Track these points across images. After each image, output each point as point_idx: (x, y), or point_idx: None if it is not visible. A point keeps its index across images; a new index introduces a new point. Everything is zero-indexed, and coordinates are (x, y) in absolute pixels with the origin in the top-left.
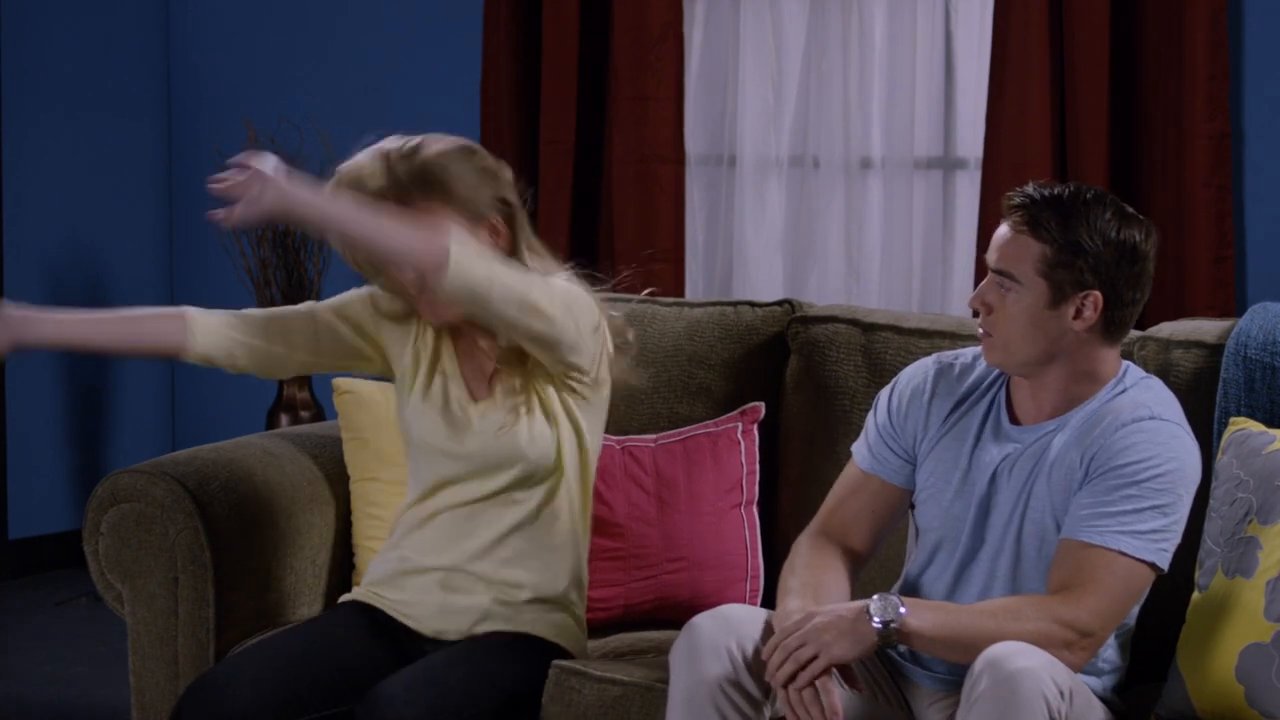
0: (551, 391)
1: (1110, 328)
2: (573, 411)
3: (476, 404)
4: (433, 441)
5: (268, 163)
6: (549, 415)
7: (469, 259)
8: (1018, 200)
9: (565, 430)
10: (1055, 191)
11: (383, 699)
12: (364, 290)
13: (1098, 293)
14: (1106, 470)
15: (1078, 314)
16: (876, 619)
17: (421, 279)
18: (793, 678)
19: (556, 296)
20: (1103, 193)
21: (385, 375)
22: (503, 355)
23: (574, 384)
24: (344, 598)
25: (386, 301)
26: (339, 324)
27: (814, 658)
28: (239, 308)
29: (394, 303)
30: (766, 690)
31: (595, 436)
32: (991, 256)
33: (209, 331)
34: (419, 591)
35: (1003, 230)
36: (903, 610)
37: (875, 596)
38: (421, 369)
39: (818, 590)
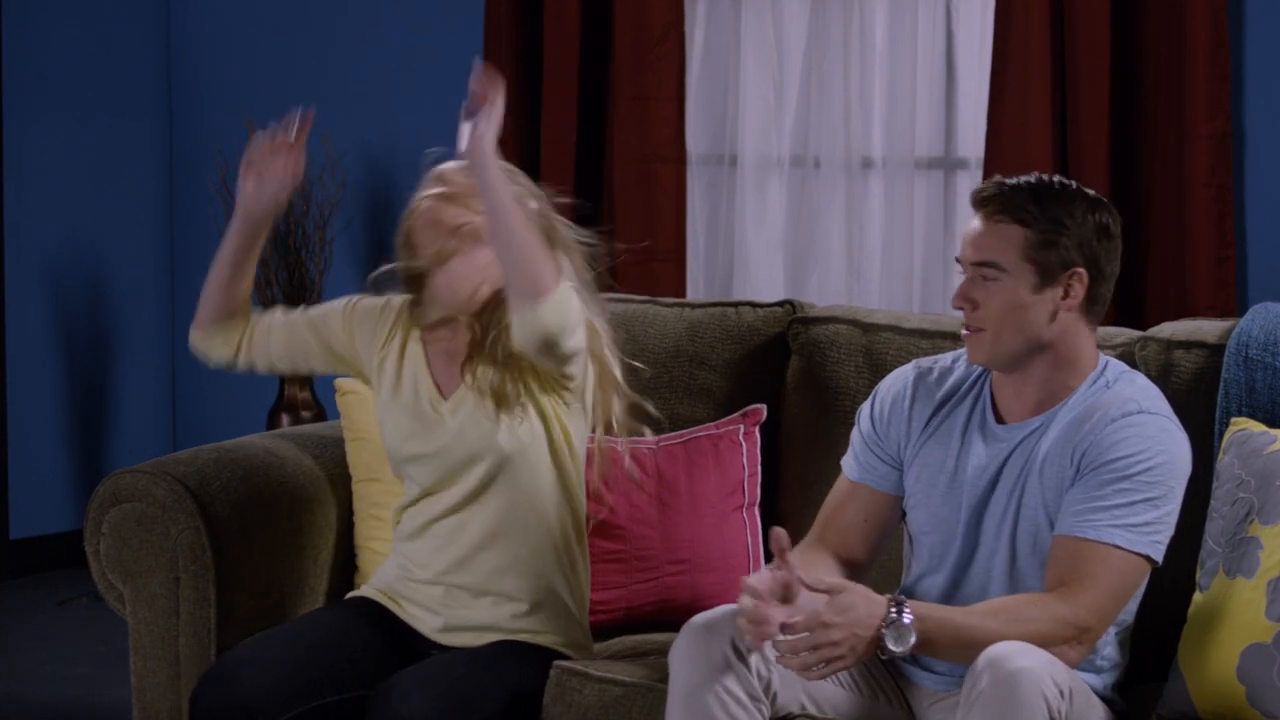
0: (531, 388)
1: (1093, 307)
2: (556, 410)
3: (446, 400)
4: (404, 444)
5: (497, 113)
6: (525, 409)
7: (567, 299)
8: (990, 192)
9: (541, 426)
10: (1024, 180)
11: (394, 693)
12: (340, 302)
13: (1083, 269)
14: (1098, 465)
15: (1066, 293)
16: (890, 646)
17: (494, 298)
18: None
19: (582, 329)
20: (1067, 180)
21: (357, 377)
22: (476, 348)
23: (560, 385)
24: (352, 594)
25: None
26: (310, 338)
27: (821, 663)
28: None
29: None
30: (765, 689)
31: (579, 441)
32: (967, 251)
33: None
34: (424, 603)
35: (975, 224)
36: (913, 639)
37: (892, 618)
38: (388, 371)
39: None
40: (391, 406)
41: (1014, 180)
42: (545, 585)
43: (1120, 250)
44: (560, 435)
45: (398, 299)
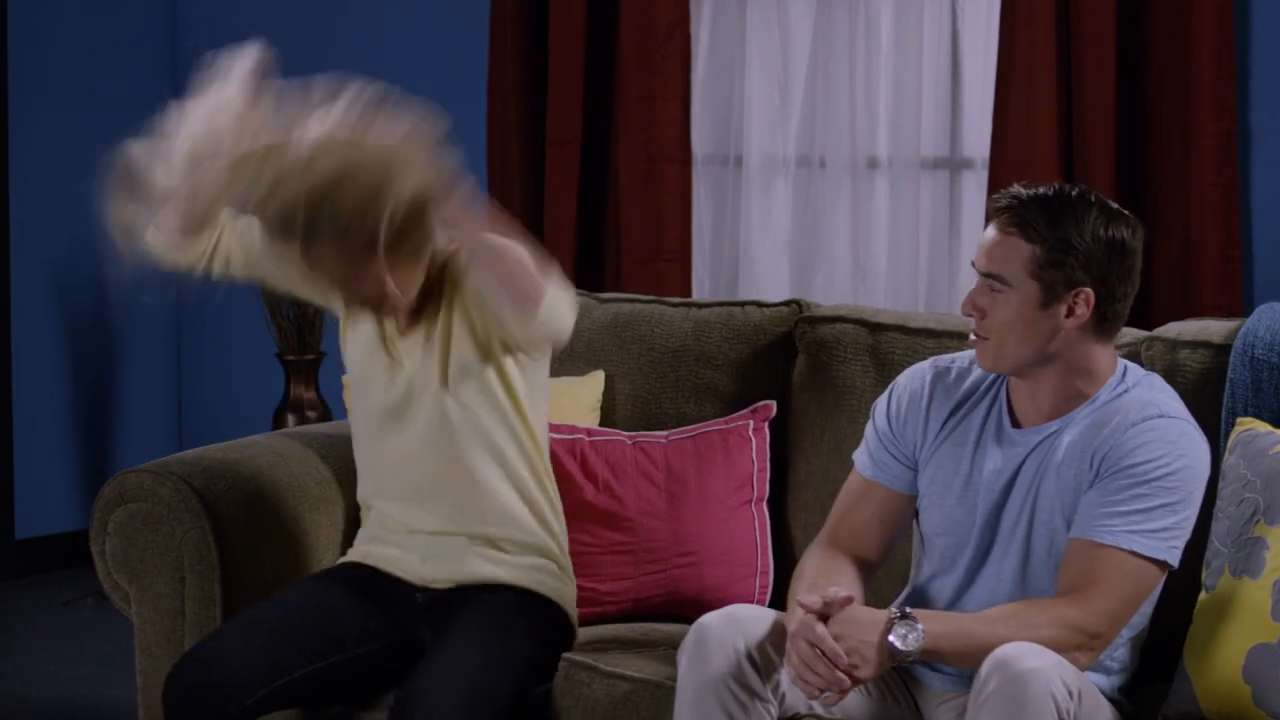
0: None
1: (1103, 324)
2: (505, 371)
3: (404, 337)
4: (370, 375)
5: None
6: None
7: (559, 298)
8: (1004, 202)
9: (484, 380)
10: (1041, 191)
11: (414, 702)
12: None
13: (1089, 289)
14: (1117, 470)
15: (1070, 312)
16: (899, 646)
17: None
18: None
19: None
20: (1087, 190)
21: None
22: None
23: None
24: (339, 561)
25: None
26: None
27: (848, 674)
28: (244, 307)
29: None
30: (774, 689)
31: (538, 390)
32: (979, 260)
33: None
34: (400, 545)
35: (990, 233)
36: (923, 639)
37: (896, 617)
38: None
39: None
40: (353, 338)
41: (1031, 191)
42: (515, 525)
43: (1138, 267)
44: (512, 381)
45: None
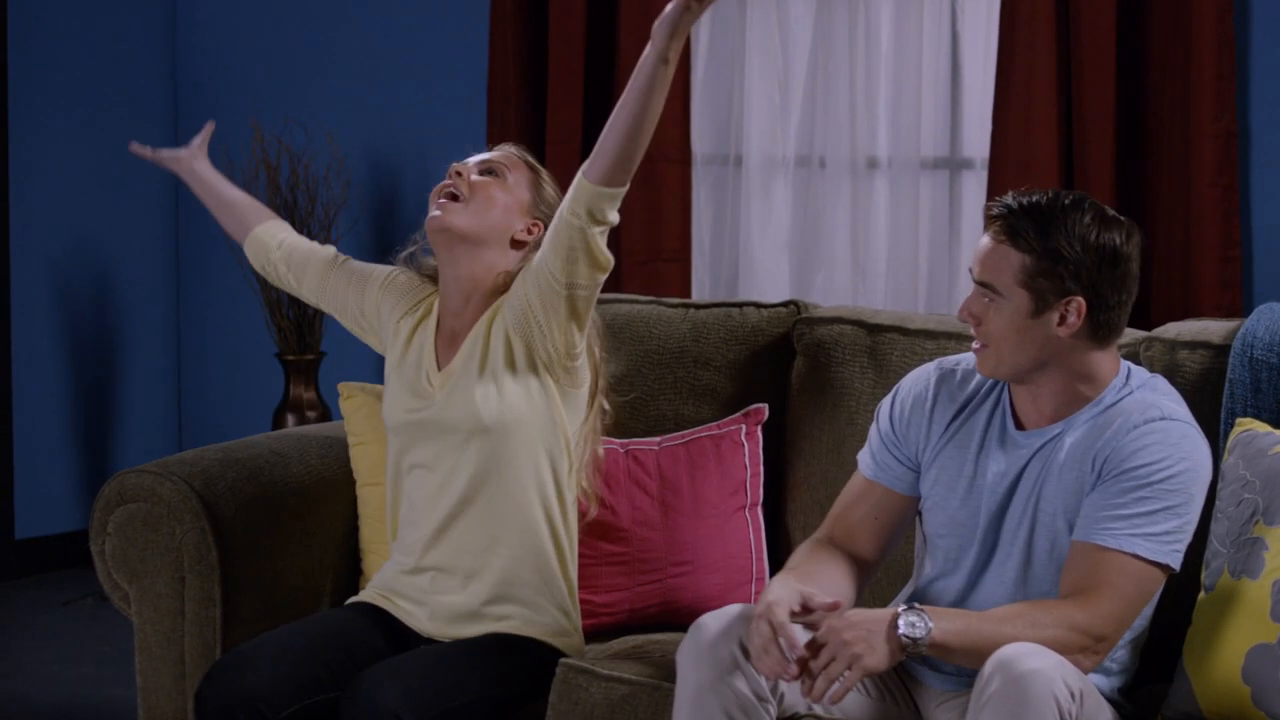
0: (525, 367)
1: (1098, 331)
2: (554, 392)
3: (440, 371)
4: (395, 409)
5: None
6: (516, 382)
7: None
8: (996, 210)
9: (529, 403)
10: (1033, 200)
11: (365, 682)
12: (384, 270)
13: (1080, 298)
14: (1120, 472)
15: (1062, 320)
16: (905, 635)
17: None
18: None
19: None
20: (1082, 197)
21: (372, 344)
22: (479, 327)
23: (557, 357)
24: (351, 600)
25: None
26: (345, 288)
27: (846, 668)
28: (244, 308)
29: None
30: (773, 689)
31: (574, 428)
32: (974, 268)
33: (269, 240)
34: (412, 595)
35: (984, 241)
36: (931, 627)
37: (902, 609)
38: (401, 338)
39: (811, 576)
40: (394, 374)
41: (1024, 199)
42: (526, 567)
43: (1132, 274)
44: (555, 419)
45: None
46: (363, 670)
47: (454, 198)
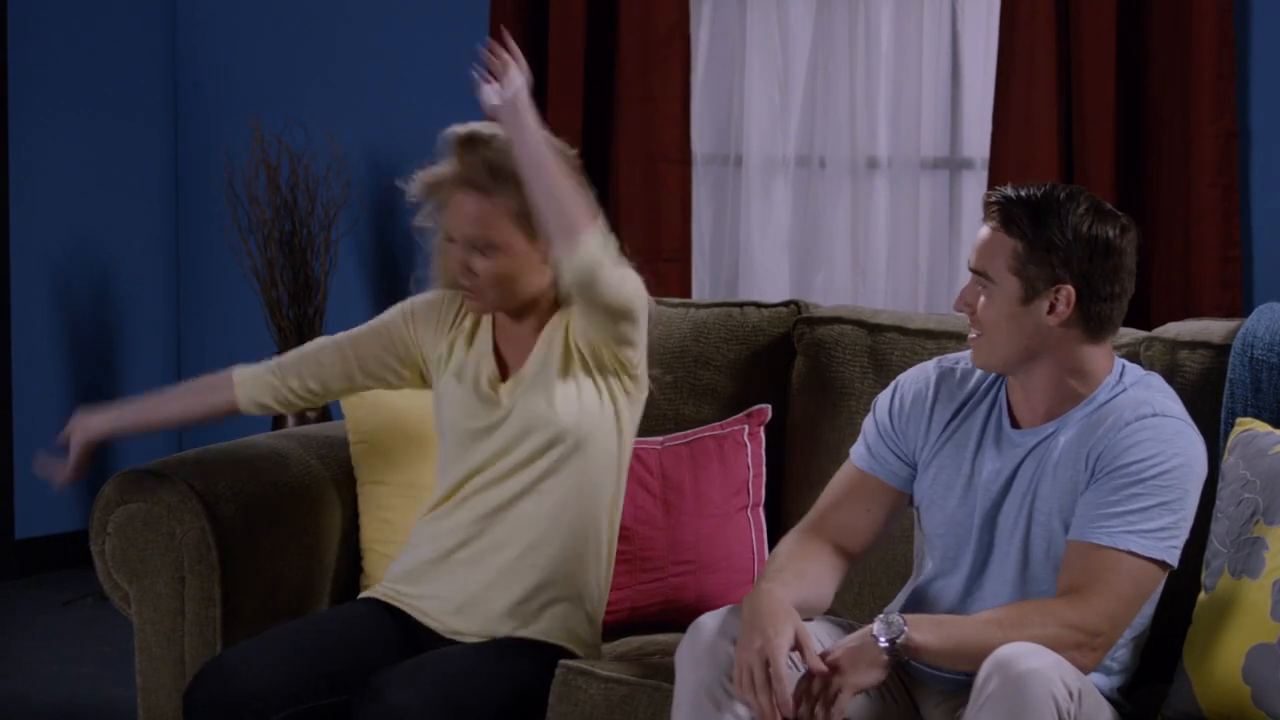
0: (594, 372)
1: (1090, 323)
2: (616, 397)
3: (505, 381)
4: (462, 419)
5: (518, 80)
6: (585, 389)
7: (602, 242)
8: (994, 199)
9: (600, 409)
10: (1030, 191)
11: (384, 686)
12: (395, 311)
13: (1069, 287)
14: (1113, 469)
15: (1051, 309)
16: (883, 639)
17: (542, 243)
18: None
19: (639, 295)
20: (1078, 190)
21: (417, 386)
22: (545, 334)
23: (622, 368)
24: (363, 594)
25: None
26: (378, 349)
27: (838, 691)
28: (245, 308)
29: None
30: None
31: (632, 433)
32: (970, 257)
33: (254, 383)
34: (439, 586)
35: (981, 230)
36: (905, 628)
37: (877, 619)
38: (456, 354)
39: (798, 578)
40: (454, 386)
41: (1020, 191)
42: (571, 574)
43: (1126, 267)
44: (620, 424)
45: (452, 291)
46: (374, 673)
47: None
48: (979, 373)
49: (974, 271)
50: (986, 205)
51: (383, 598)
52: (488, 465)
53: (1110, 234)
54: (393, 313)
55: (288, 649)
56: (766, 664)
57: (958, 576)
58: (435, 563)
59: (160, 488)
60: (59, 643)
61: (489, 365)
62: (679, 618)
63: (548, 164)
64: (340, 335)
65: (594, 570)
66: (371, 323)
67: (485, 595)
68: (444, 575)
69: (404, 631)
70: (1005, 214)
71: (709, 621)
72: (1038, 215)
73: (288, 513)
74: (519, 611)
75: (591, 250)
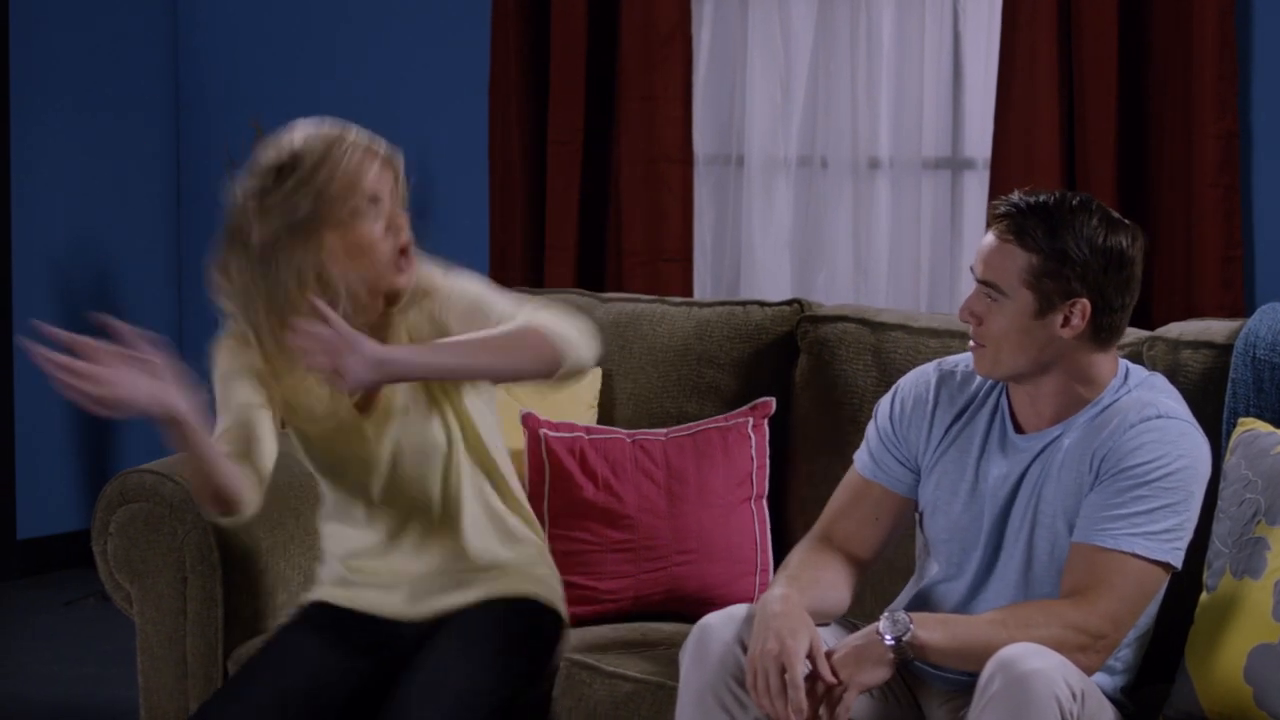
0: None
1: (1100, 334)
2: (452, 393)
3: (366, 416)
4: (330, 470)
5: (358, 346)
6: (431, 402)
7: (579, 346)
8: (1003, 209)
9: (449, 413)
10: (1041, 199)
11: (399, 715)
12: (219, 373)
13: (1085, 300)
14: (1117, 472)
15: (1065, 322)
16: (888, 637)
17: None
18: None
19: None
20: (1089, 199)
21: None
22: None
23: None
24: (307, 598)
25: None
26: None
27: (844, 690)
28: None
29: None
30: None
31: (488, 411)
32: (977, 267)
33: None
34: (381, 588)
35: (988, 239)
36: (911, 625)
37: (882, 616)
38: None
39: (813, 584)
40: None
41: (1030, 199)
42: (498, 522)
43: (1137, 276)
44: (465, 417)
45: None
46: (356, 698)
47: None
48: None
49: (983, 283)
50: (995, 215)
51: (329, 599)
52: (368, 488)
53: (1124, 244)
54: (232, 385)
55: (256, 712)
56: (782, 669)
57: (962, 580)
58: (371, 559)
59: (162, 487)
60: (60, 643)
61: (344, 405)
62: (682, 607)
63: (466, 358)
64: (231, 418)
65: (514, 506)
66: (238, 401)
67: (430, 584)
68: (382, 568)
69: (351, 626)
70: (1017, 225)
71: (713, 620)
72: (1052, 227)
73: (289, 511)
74: (466, 580)
75: (575, 359)
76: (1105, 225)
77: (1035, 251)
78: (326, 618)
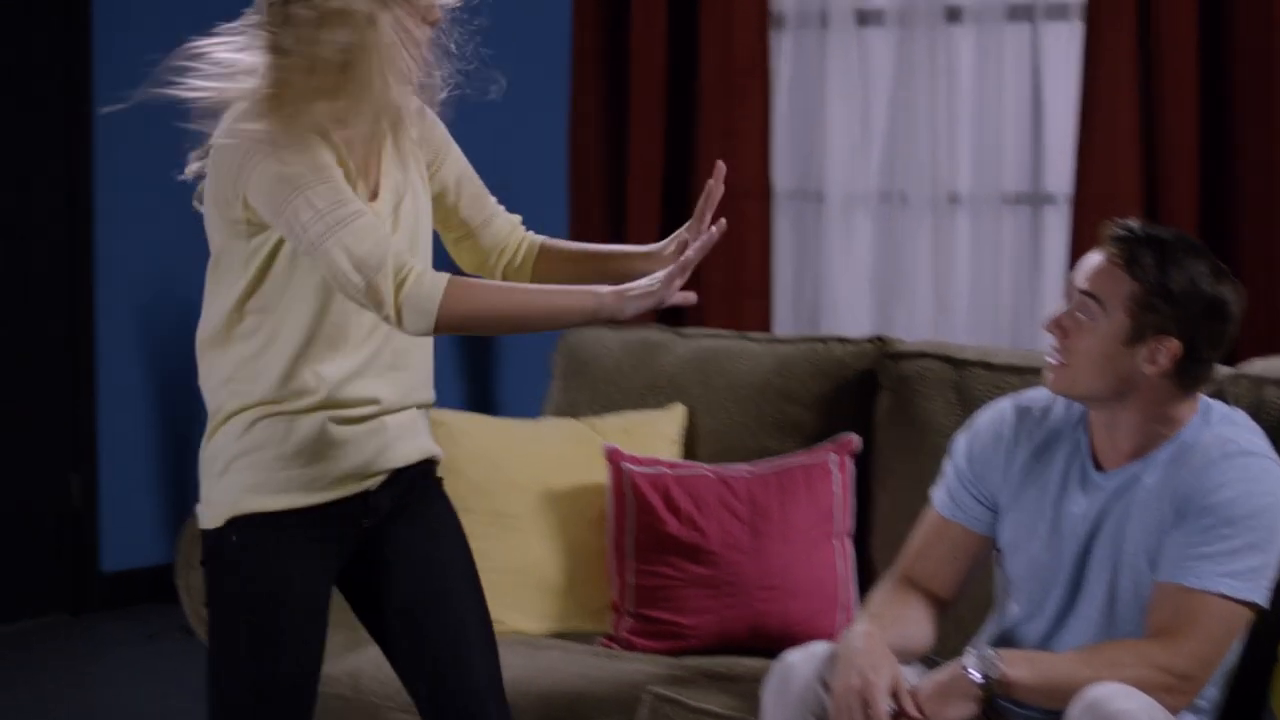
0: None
1: (1185, 380)
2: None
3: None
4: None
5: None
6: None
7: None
8: (1119, 233)
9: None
10: (1156, 232)
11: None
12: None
13: (1176, 341)
14: (1200, 509)
15: (1151, 358)
16: (976, 674)
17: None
18: None
19: None
20: (1201, 245)
21: None
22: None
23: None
24: (242, 510)
25: None
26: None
27: None
28: None
29: None
30: None
31: None
32: (1079, 278)
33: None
34: (355, 440)
35: (1096, 257)
36: (999, 662)
37: (969, 652)
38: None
39: (895, 622)
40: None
41: (1149, 230)
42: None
43: (1229, 334)
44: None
45: None
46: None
47: None
48: (1058, 410)
49: (1085, 294)
50: (1110, 237)
51: (301, 505)
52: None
53: (1227, 297)
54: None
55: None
56: (866, 705)
57: (1042, 619)
58: (350, 424)
59: None
60: (143, 676)
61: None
62: (765, 643)
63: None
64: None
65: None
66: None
67: (406, 421)
68: (354, 430)
69: (315, 536)
70: (1130, 251)
71: (795, 657)
72: (1163, 261)
73: None
74: (424, 424)
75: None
76: (1213, 274)
77: (1141, 281)
78: (297, 540)
